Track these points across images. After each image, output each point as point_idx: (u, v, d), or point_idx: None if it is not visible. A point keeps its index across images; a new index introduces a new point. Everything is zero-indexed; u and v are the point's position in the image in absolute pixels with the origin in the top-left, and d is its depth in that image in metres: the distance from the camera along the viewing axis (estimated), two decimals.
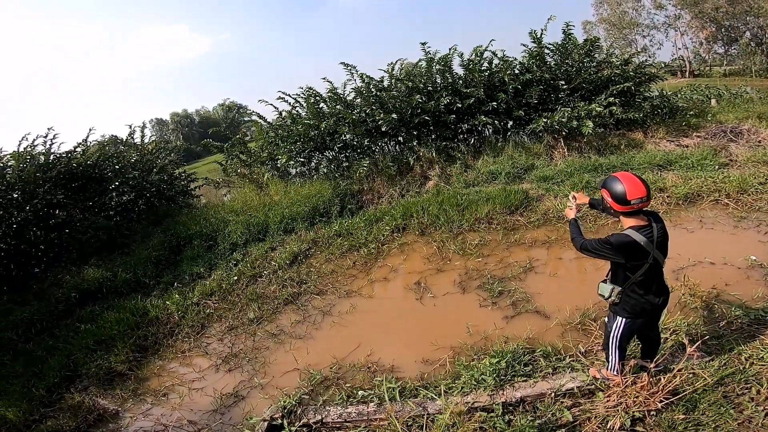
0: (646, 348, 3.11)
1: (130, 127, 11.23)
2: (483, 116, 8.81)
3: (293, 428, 3.29)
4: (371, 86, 9.49)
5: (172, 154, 11.88)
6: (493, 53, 9.54)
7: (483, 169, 8.22)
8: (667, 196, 6.27)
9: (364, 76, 9.52)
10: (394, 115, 8.63)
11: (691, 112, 9.70)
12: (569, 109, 8.51)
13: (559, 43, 9.60)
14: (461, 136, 9.63)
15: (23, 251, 7.87)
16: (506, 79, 8.92)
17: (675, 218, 5.80)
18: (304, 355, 4.57)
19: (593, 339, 3.81)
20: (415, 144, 9.23)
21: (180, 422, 3.98)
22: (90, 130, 9.82)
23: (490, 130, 9.52)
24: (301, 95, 10.17)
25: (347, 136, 9.44)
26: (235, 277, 6.81)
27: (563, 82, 8.98)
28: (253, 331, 5.28)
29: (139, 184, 9.95)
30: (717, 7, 42.01)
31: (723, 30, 45.63)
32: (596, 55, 9.92)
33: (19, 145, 8.76)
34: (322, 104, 10.04)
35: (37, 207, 8.09)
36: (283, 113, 10.62)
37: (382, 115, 8.67)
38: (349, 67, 9.58)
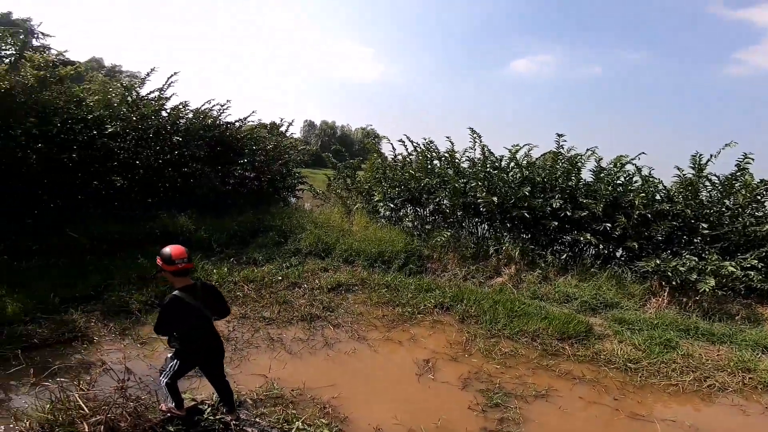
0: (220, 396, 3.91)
1: (281, 120, 13.69)
2: (590, 235, 8.36)
3: (211, 417, 3.85)
4: (487, 162, 9.84)
5: (304, 156, 13.92)
6: (637, 168, 8.88)
7: (561, 287, 7.86)
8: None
9: (485, 149, 9.92)
10: (495, 199, 8.81)
11: None
12: (696, 259, 7.58)
13: (726, 176, 8.42)
14: (555, 246, 9.29)
15: (150, 183, 9.90)
16: (636, 202, 8.21)
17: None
18: (280, 368, 4.97)
19: None
20: (504, 235, 9.26)
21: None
22: (252, 111, 12.30)
23: (591, 252, 9.02)
24: (420, 146, 11.02)
25: (444, 201, 9.90)
26: (280, 278, 7.63)
27: (705, 225, 7.96)
28: (259, 327, 5.91)
29: (262, 168, 11.79)
30: None
31: None
32: (766, 203, 8.52)
33: (202, 105, 11.24)
34: (435, 161, 10.74)
35: (184, 154, 10.16)
36: (399, 156, 11.62)
37: (484, 194, 8.93)
38: (474, 135, 10.04)
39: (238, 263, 8.10)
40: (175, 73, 10.43)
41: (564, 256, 8.93)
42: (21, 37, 9.63)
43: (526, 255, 8.67)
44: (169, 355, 3.72)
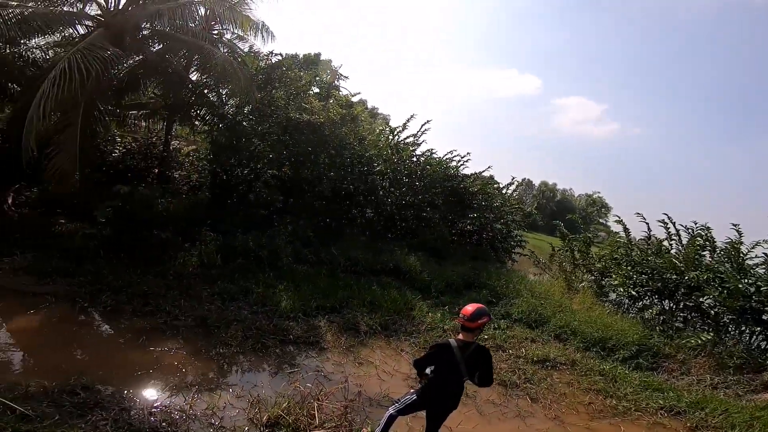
0: None
1: (512, 178, 13.97)
2: None
3: None
4: None
5: (523, 218, 13.76)
6: None
7: None
8: None
9: None
10: None
11: None
12: None
13: None
14: None
15: (392, 220, 11.52)
16: None
17: None
18: (468, 427, 4.95)
19: None
20: None
21: None
22: (488, 167, 13.09)
23: None
24: (687, 231, 9.44)
25: (708, 300, 8.06)
26: (485, 336, 7.56)
27: None
28: None
29: (485, 225, 12.27)
30: None
31: None
32: None
33: (445, 155, 12.73)
34: (705, 253, 8.99)
35: (425, 198, 11.49)
36: (653, 238, 10.14)
37: None
38: None
39: (450, 312, 8.54)
40: (428, 121, 12.24)
41: None
42: (328, 77, 13.03)
43: None
44: (412, 390, 3.99)
